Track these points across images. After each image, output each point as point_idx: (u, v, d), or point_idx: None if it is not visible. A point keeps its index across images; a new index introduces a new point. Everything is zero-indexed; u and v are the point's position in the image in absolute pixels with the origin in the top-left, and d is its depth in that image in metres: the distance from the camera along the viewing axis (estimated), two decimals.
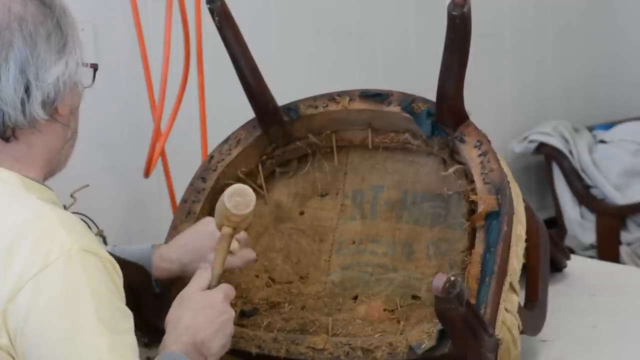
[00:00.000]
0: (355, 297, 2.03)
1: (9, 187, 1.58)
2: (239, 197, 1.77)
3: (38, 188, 1.62)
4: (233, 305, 1.99)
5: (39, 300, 1.45)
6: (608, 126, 4.37)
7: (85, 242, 1.51)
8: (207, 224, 1.92)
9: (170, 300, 1.75)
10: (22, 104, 1.56)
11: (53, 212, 1.53)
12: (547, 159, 4.24)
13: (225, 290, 1.74)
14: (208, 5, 2.04)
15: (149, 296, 1.94)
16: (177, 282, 1.94)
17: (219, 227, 1.81)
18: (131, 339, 1.52)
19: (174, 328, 1.66)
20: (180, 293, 1.73)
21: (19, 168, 1.61)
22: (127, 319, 1.54)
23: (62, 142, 1.66)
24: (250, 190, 1.78)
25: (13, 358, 1.49)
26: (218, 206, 1.80)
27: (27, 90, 1.56)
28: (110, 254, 1.58)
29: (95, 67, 1.69)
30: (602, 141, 4.28)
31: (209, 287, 1.75)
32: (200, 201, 2.09)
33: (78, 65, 1.62)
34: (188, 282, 1.77)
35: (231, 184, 2.12)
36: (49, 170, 1.66)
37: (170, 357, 1.62)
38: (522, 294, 2.10)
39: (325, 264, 2.11)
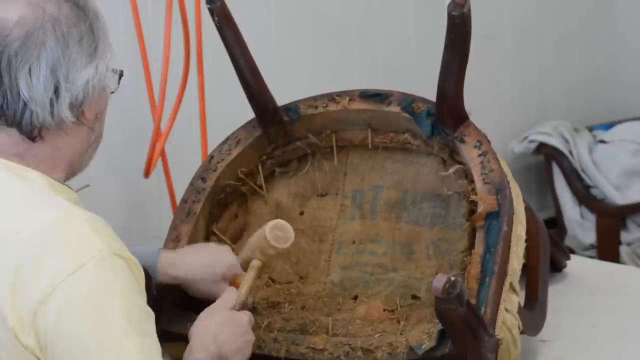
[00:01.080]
0: (355, 297, 2.03)
1: (36, 187, 1.59)
2: (279, 231, 1.85)
3: (62, 189, 1.63)
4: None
5: (71, 303, 1.46)
6: (608, 126, 4.37)
7: (113, 245, 1.53)
8: (228, 255, 1.94)
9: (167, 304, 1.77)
10: (51, 104, 1.56)
11: (81, 215, 1.54)
12: (547, 159, 4.24)
13: (249, 314, 1.80)
14: (208, 6, 2.04)
15: (149, 298, 1.94)
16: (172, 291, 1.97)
17: (247, 260, 1.87)
18: (156, 340, 1.54)
19: (201, 336, 1.70)
20: (208, 308, 1.78)
21: (44, 169, 1.62)
22: (151, 320, 1.56)
23: (85, 145, 1.67)
24: (290, 227, 1.86)
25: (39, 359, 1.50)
26: (255, 237, 1.87)
27: (56, 90, 1.56)
28: None
29: (120, 73, 1.69)
30: (602, 141, 4.28)
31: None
32: (200, 201, 2.09)
33: (107, 70, 1.63)
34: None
35: (231, 184, 2.13)
36: (70, 171, 1.67)
37: None
38: (522, 294, 2.10)
39: (325, 264, 2.11)
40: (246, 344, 1.75)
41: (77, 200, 1.64)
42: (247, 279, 1.86)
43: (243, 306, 1.83)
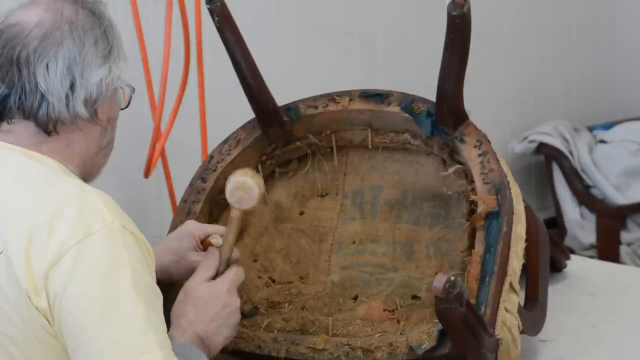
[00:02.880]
0: (355, 297, 2.03)
1: (52, 171, 1.65)
2: (241, 192, 1.77)
3: (76, 176, 1.68)
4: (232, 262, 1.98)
5: (80, 267, 1.52)
6: (608, 126, 4.37)
7: (124, 221, 1.59)
8: (187, 225, 1.95)
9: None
10: (67, 97, 1.64)
11: (95, 191, 1.61)
12: (547, 159, 4.24)
13: (231, 277, 1.78)
14: (208, 6, 2.04)
15: None
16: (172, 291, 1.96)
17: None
18: (161, 316, 1.57)
19: (178, 324, 1.71)
20: (185, 285, 1.77)
21: (58, 161, 1.67)
22: (158, 298, 1.59)
23: (98, 146, 1.72)
24: (253, 183, 1.77)
25: (49, 322, 1.54)
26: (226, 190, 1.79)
27: (72, 86, 1.64)
28: None
29: (132, 90, 1.77)
30: (602, 141, 4.28)
31: (217, 273, 1.76)
32: (200, 201, 2.09)
33: (120, 76, 1.71)
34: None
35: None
36: (83, 173, 1.71)
37: (182, 347, 1.64)
38: (522, 294, 2.10)
39: (325, 264, 2.11)
40: (228, 316, 1.74)
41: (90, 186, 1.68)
42: (228, 233, 1.79)
43: (228, 262, 1.78)
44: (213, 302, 1.73)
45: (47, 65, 1.62)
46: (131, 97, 1.78)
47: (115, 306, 1.52)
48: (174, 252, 1.90)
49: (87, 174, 1.73)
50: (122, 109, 1.77)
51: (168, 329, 1.67)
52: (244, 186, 1.77)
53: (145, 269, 1.57)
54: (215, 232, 1.90)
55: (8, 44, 1.64)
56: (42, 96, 1.63)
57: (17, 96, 1.64)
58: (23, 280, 1.53)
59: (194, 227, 1.92)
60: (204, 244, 1.89)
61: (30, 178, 1.63)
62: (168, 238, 1.96)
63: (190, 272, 1.84)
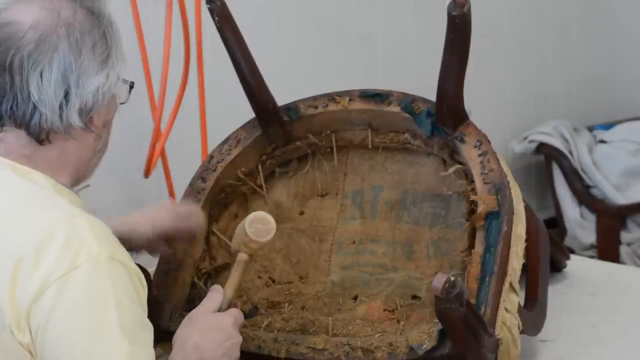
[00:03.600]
0: (355, 297, 2.03)
1: (41, 190, 1.59)
2: (259, 224, 1.79)
3: (67, 192, 1.63)
4: (233, 305, 2.00)
5: (63, 302, 1.47)
6: (608, 126, 4.37)
7: (113, 250, 1.53)
8: (167, 204, 1.96)
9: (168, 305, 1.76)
10: (60, 108, 1.57)
11: (83, 217, 1.55)
12: (547, 159, 4.24)
13: (235, 315, 1.75)
14: (208, 6, 2.04)
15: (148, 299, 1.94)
16: (174, 289, 1.97)
17: (235, 253, 1.83)
18: (149, 351, 1.53)
19: (182, 346, 1.67)
20: (190, 313, 1.74)
21: (50, 172, 1.62)
22: (147, 331, 1.55)
23: (92, 152, 1.67)
24: (271, 218, 1.80)
25: (32, 355, 1.50)
26: (238, 230, 1.82)
27: (66, 95, 1.57)
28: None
29: (131, 85, 1.71)
30: (602, 141, 4.28)
31: (219, 310, 1.76)
32: (200, 201, 2.09)
33: (118, 79, 1.64)
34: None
35: (231, 184, 2.13)
36: (75, 178, 1.67)
37: None
38: (522, 294, 2.10)
39: (325, 264, 2.11)
40: (230, 348, 1.70)
41: (82, 205, 1.64)
42: (234, 275, 1.81)
43: (230, 303, 1.79)
44: (219, 331, 1.69)
45: (41, 73, 1.55)
46: (130, 91, 1.71)
47: (97, 344, 1.47)
48: (148, 224, 1.90)
49: (81, 178, 1.69)
50: (121, 104, 1.70)
51: (166, 331, 1.67)
52: (263, 219, 1.80)
53: (133, 302, 1.52)
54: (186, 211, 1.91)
55: (1, 46, 1.56)
56: (35, 107, 1.56)
57: (9, 105, 1.57)
58: (6, 315, 1.48)
59: (171, 211, 1.92)
60: (167, 240, 1.93)
61: (18, 200, 1.57)
62: (154, 209, 1.95)
63: (146, 250, 1.88)
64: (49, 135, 1.60)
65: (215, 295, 1.76)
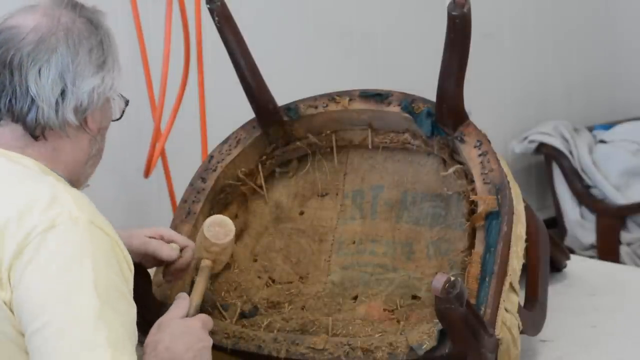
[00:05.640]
0: (355, 297, 2.03)
1: (27, 170, 1.64)
2: (218, 227, 1.82)
3: (56, 176, 1.66)
4: (233, 305, 2.00)
5: (38, 256, 1.51)
6: (608, 126, 4.37)
7: (94, 218, 1.57)
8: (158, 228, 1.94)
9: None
10: (57, 103, 1.64)
11: (66, 189, 1.60)
12: (547, 159, 4.24)
13: (204, 319, 1.76)
14: (208, 6, 2.04)
15: (147, 300, 1.94)
16: (174, 289, 1.96)
17: (198, 260, 1.85)
18: (124, 320, 1.53)
19: (154, 350, 1.67)
20: (159, 319, 1.74)
21: (43, 164, 1.66)
22: (124, 303, 1.55)
23: (86, 155, 1.72)
24: (230, 220, 1.83)
25: (12, 315, 1.52)
26: (198, 236, 1.85)
27: (62, 93, 1.64)
28: None
29: (126, 102, 1.78)
30: (602, 141, 4.28)
31: (187, 316, 1.77)
32: (200, 201, 2.09)
33: (113, 86, 1.71)
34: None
35: (231, 184, 2.13)
36: (68, 180, 1.69)
37: None
38: (522, 294, 2.10)
39: (325, 264, 2.11)
40: (202, 350, 1.71)
41: (66, 184, 1.66)
42: (199, 282, 1.83)
43: (197, 310, 1.79)
44: (189, 335, 1.70)
45: (40, 70, 1.63)
46: (124, 109, 1.78)
47: (68, 297, 1.49)
48: (133, 236, 1.89)
49: (74, 182, 1.71)
50: (114, 120, 1.77)
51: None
52: (221, 222, 1.83)
53: (110, 268, 1.55)
54: (180, 242, 1.90)
55: (3, 47, 1.64)
56: (32, 100, 1.63)
57: (8, 98, 1.64)
58: None
59: (164, 230, 1.92)
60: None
61: (6, 178, 1.61)
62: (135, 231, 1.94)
63: (143, 252, 1.86)
64: (44, 132, 1.65)
65: (181, 302, 1.78)
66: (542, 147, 4.18)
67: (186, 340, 1.69)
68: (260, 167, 2.18)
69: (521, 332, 1.94)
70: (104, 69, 1.68)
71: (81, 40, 1.66)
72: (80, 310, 1.49)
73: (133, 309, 1.57)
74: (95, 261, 1.52)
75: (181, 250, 1.89)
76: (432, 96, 2.01)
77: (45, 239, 1.51)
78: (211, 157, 2.15)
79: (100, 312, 1.49)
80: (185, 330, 1.71)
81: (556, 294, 2.32)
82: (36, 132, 1.65)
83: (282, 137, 2.17)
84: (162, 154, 2.72)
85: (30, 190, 1.58)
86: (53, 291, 1.49)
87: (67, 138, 1.67)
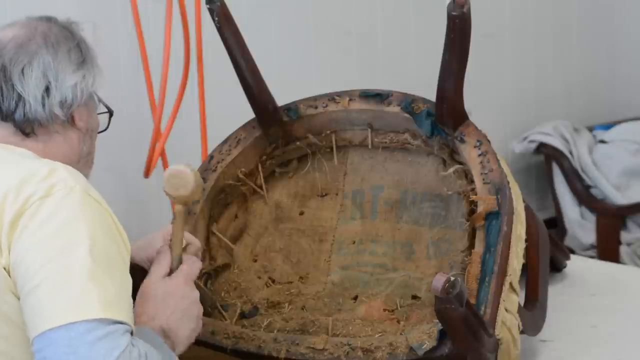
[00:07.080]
0: (355, 297, 2.03)
1: (24, 155, 1.70)
2: (176, 179, 1.76)
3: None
4: (233, 305, 2.00)
5: (33, 221, 1.55)
6: (608, 126, 4.37)
7: (90, 191, 1.61)
8: (160, 231, 1.93)
9: None
10: (43, 97, 1.71)
11: (63, 165, 1.64)
12: (547, 159, 4.24)
13: (186, 271, 1.76)
14: (208, 6, 2.04)
15: None
16: None
17: (173, 206, 1.82)
18: (118, 285, 1.54)
19: (140, 320, 1.67)
20: (141, 286, 1.73)
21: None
22: (118, 271, 1.57)
23: (77, 153, 1.78)
24: (188, 170, 1.74)
25: (9, 279, 1.55)
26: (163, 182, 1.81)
27: (47, 89, 1.71)
28: None
29: (111, 112, 1.86)
30: (602, 141, 4.27)
31: (171, 270, 1.75)
32: (200, 201, 2.09)
33: (94, 82, 1.78)
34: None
35: (231, 184, 2.13)
36: None
37: (141, 331, 1.62)
38: (522, 294, 2.10)
39: (325, 264, 2.11)
40: (188, 307, 1.72)
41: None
42: (175, 230, 1.79)
43: (180, 258, 1.77)
44: (171, 296, 1.71)
45: (23, 69, 1.70)
46: (110, 120, 1.85)
47: (61, 257, 1.52)
48: (142, 249, 1.89)
49: None
50: (101, 131, 1.83)
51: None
52: (178, 173, 1.76)
53: (105, 236, 1.57)
54: (187, 239, 1.89)
55: None
56: (19, 96, 1.70)
57: None
58: None
59: (166, 231, 1.90)
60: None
61: (4, 162, 1.66)
62: (139, 240, 1.93)
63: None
64: (34, 127, 1.72)
65: (162, 257, 1.77)
66: (542, 147, 4.18)
67: (170, 303, 1.70)
68: (260, 167, 2.18)
69: (521, 332, 1.94)
70: (83, 67, 1.75)
71: (59, 43, 1.73)
72: (72, 269, 1.51)
73: (128, 279, 1.59)
74: (90, 227, 1.55)
75: (185, 247, 1.88)
76: (432, 96, 2.01)
77: (42, 204, 1.56)
78: (211, 157, 2.15)
79: (92, 274, 1.51)
80: (167, 291, 1.72)
81: (556, 294, 2.32)
82: (26, 128, 1.71)
83: (282, 137, 2.17)
84: (162, 154, 2.72)
85: (31, 165, 1.63)
86: (47, 253, 1.53)
87: (56, 134, 1.74)
